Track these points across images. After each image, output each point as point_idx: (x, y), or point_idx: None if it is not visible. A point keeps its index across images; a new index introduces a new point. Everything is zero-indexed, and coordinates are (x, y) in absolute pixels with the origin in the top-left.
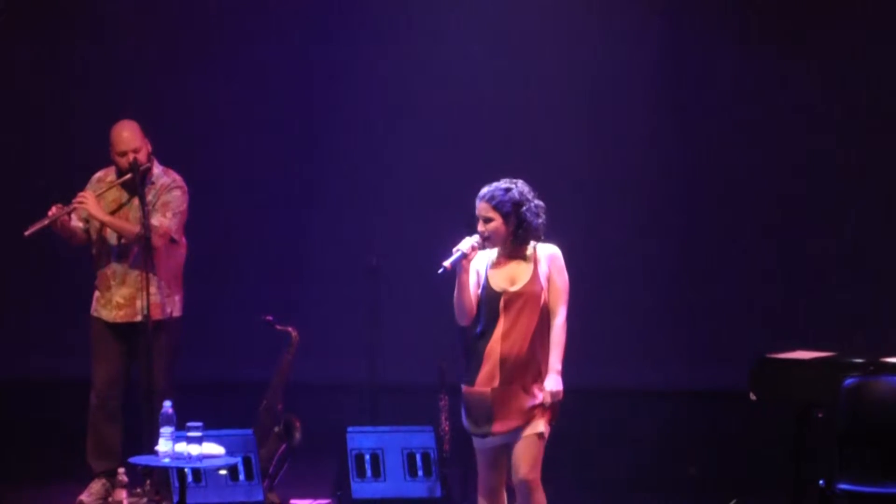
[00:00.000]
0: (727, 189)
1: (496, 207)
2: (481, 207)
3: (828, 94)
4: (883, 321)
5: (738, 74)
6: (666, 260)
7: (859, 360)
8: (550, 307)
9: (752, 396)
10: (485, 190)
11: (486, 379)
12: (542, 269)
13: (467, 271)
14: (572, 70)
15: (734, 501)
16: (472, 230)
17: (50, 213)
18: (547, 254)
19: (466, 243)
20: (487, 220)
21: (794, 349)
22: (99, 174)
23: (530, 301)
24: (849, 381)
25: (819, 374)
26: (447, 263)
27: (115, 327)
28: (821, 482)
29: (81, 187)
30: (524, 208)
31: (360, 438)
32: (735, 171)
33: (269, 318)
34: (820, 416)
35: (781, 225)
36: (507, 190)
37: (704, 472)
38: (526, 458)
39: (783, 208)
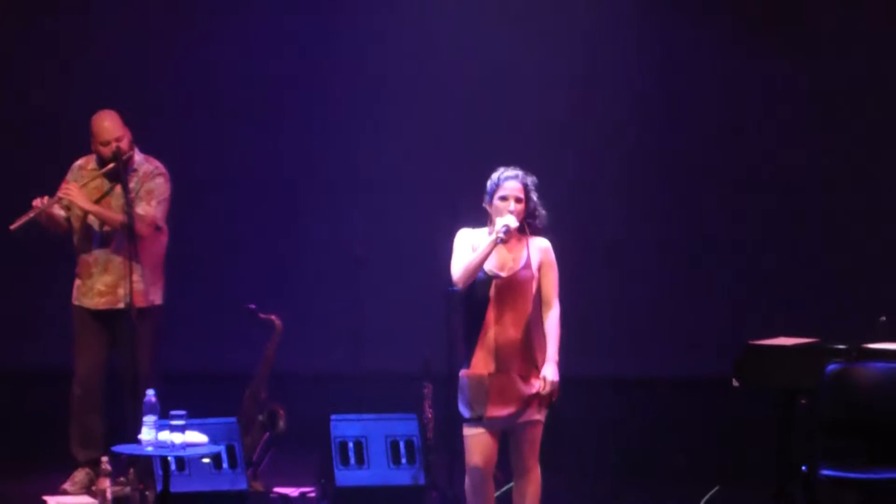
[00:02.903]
0: (712, 180)
1: (526, 190)
2: (517, 188)
3: (817, 88)
4: (864, 308)
5: (727, 68)
6: (651, 249)
7: (842, 347)
8: (544, 299)
9: (735, 383)
10: (513, 171)
11: (482, 363)
12: (534, 259)
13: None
14: (559, 62)
15: (717, 489)
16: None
17: (35, 205)
18: (540, 246)
19: (510, 219)
20: (519, 201)
21: (777, 336)
22: (80, 161)
23: (522, 287)
24: (831, 368)
25: (802, 360)
26: (502, 235)
27: (97, 315)
28: (803, 468)
29: (60, 177)
30: (537, 197)
31: (344, 426)
32: (720, 164)
33: (253, 306)
34: (803, 402)
35: (765, 215)
36: (527, 174)
37: (688, 460)
38: (527, 443)
39: (769, 196)
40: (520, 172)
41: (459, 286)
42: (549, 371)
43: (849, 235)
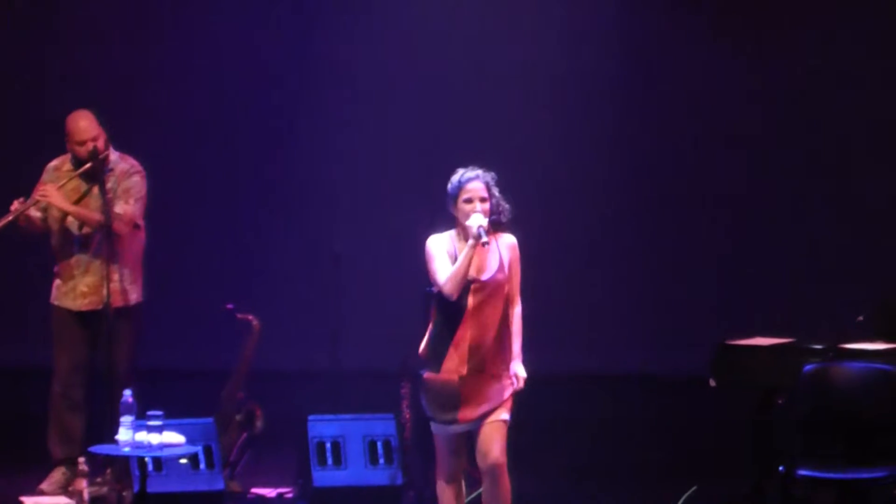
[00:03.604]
0: (687, 179)
1: (488, 188)
2: (480, 189)
3: (788, 88)
4: (840, 308)
5: (703, 69)
6: (627, 247)
7: (818, 347)
8: (510, 296)
9: (712, 383)
10: (473, 171)
11: (454, 366)
12: (506, 259)
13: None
14: (536, 62)
15: (695, 488)
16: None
17: (12, 208)
18: (508, 243)
19: (481, 218)
20: (483, 200)
21: (753, 335)
22: (54, 163)
23: (498, 289)
24: (808, 368)
25: (779, 360)
26: (485, 238)
27: (79, 315)
28: (780, 468)
29: (35, 177)
30: (498, 192)
31: (321, 426)
32: (695, 163)
33: (230, 306)
34: (780, 402)
35: (740, 214)
36: (486, 172)
37: (665, 459)
38: (494, 443)
39: (742, 199)
40: (479, 172)
41: (452, 298)
42: (520, 368)
43: (825, 236)
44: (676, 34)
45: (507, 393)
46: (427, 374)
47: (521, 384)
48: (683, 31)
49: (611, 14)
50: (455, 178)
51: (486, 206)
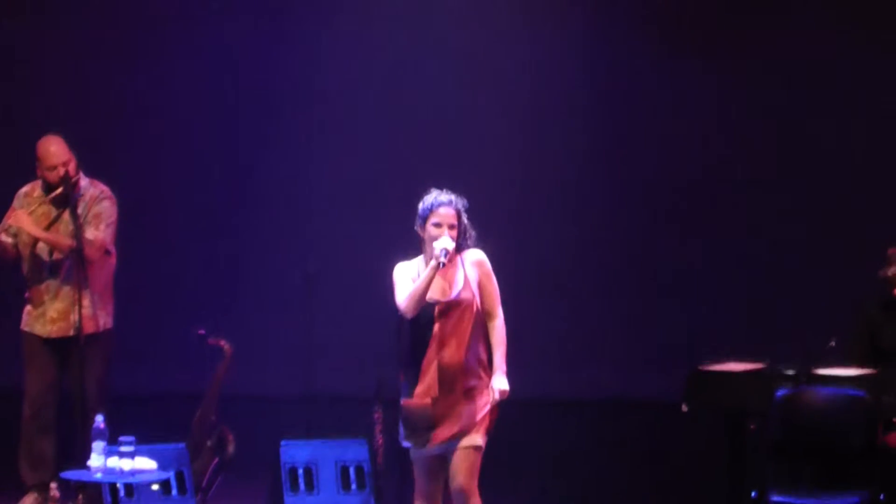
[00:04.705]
0: (661, 198)
1: (459, 215)
2: (452, 215)
3: (753, 102)
4: (814, 333)
5: (671, 82)
6: (599, 271)
7: (791, 372)
8: (487, 311)
9: (685, 408)
10: (446, 196)
11: (426, 390)
12: (472, 276)
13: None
14: (508, 76)
15: None
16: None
17: None
18: (474, 260)
19: (448, 242)
20: (452, 227)
21: (725, 361)
22: (25, 189)
23: (465, 309)
24: (781, 393)
25: (751, 385)
26: (443, 259)
27: (49, 341)
28: (753, 494)
29: (5, 204)
30: (467, 219)
31: (294, 452)
32: (667, 181)
33: (202, 331)
34: (752, 427)
35: (714, 235)
36: (459, 198)
37: (638, 485)
38: (463, 467)
39: (716, 219)
40: (452, 197)
41: (408, 316)
42: (499, 381)
43: (798, 261)
44: (647, 52)
45: (482, 413)
46: (403, 401)
47: (498, 397)
48: (654, 49)
49: (581, 34)
50: (428, 200)
51: (454, 232)
